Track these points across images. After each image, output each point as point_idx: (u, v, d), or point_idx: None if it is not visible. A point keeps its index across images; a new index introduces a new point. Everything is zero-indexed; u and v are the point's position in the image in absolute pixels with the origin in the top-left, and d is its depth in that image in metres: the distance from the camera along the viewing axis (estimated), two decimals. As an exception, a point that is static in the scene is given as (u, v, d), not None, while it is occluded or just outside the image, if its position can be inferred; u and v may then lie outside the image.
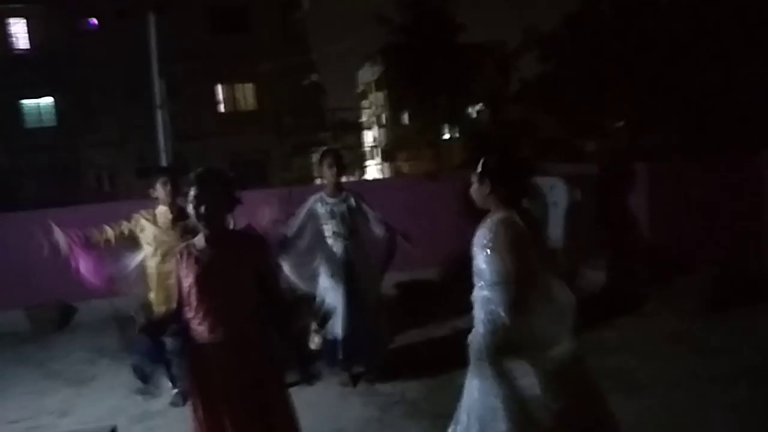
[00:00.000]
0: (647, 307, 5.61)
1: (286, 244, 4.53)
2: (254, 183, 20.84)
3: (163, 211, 4.33)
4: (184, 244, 2.75)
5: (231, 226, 3.01)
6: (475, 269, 2.52)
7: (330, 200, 4.58)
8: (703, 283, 5.48)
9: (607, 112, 21.70)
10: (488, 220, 2.50)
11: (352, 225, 4.60)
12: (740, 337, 4.78)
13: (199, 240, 2.66)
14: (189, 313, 2.63)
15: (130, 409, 4.35)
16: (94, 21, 23.22)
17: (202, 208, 2.54)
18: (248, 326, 2.63)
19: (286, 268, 4.52)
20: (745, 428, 3.52)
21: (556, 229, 6.82)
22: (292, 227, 4.61)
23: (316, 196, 4.65)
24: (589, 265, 6.58)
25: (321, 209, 4.58)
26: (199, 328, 2.60)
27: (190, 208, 2.57)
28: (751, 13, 13.57)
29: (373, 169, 45.03)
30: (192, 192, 2.55)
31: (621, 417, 2.64)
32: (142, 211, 4.36)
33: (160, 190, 4.31)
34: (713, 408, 3.71)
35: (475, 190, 2.52)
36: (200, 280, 2.57)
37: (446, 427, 2.73)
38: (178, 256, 2.67)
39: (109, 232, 4.28)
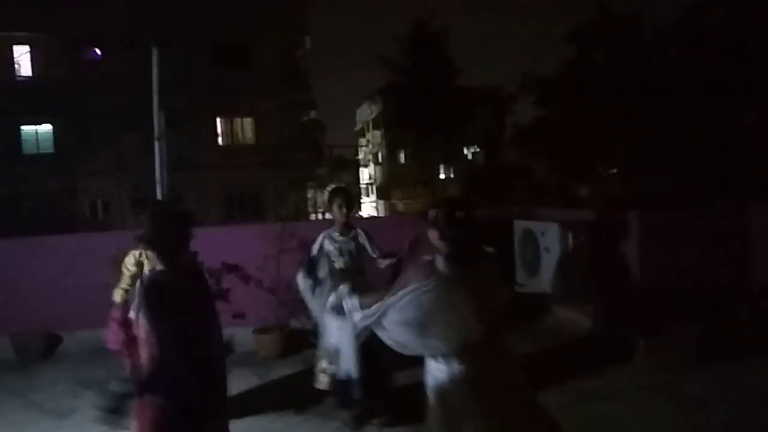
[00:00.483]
0: (635, 356, 5.56)
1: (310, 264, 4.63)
2: (249, 217, 20.91)
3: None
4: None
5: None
6: None
7: (339, 238, 4.61)
8: (692, 333, 5.46)
9: (600, 158, 21.95)
10: None
11: (359, 263, 4.66)
12: (726, 390, 4.72)
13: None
14: None
15: (112, 444, 4.26)
16: (98, 51, 23.52)
17: (157, 244, 2.76)
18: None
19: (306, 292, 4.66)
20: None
21: (548, 274, 6.83)
22: (312, 251, 4.70)
23: (325, 233, 4.68)
24: (581, 312, 6.57)
25: (329, 246, 4.61)
26: None
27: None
28: (743, 64, 13.87)
29: (369, 206, 45.15)
30: (146, 229, 2.77)
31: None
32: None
33: None
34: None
35: (429, 235, 2.75)
36: None
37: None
38: None
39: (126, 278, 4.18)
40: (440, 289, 2.60)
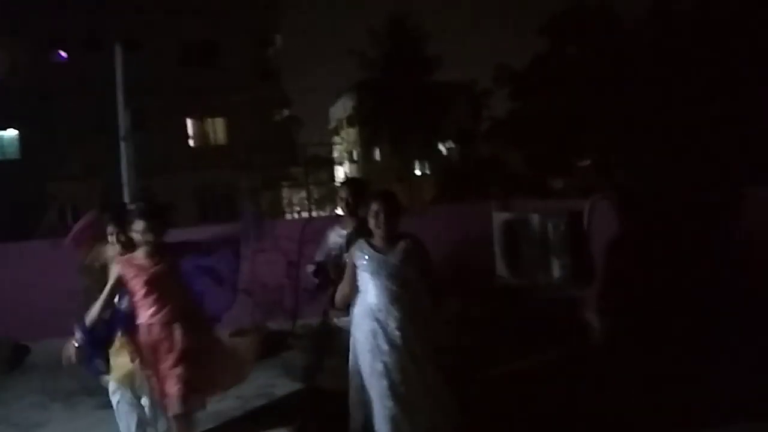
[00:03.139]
0: (618, 343, 5.52)
1: (319, 272, 4.37)
2: (223, 218, 20.59)
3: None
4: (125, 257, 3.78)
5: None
6: None
7: (343, 232, 4.42)
8: (675, 319, 5.43)
9: (574, 150, 22.08)
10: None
11: None
12: (707, 374, 4.70)
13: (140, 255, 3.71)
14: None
15: (82, 458, 4.08)
16: (63, 53, 22.97)
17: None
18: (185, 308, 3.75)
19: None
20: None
21: (529, 265, 6.76)
22: (321, 254, 4.49)
23: (332, 227, 4.52)
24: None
25: (335, 239, 4.43)
26: (147, 313, 3.65)
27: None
28: (715, 52, 13.97)
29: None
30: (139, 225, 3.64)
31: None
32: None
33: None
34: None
35: None
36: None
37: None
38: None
39: None
40: None
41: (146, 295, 3.63)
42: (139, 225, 3.64)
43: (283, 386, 5.39)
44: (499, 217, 7.41)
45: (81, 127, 21.09)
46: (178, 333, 3.64)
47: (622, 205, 6.16)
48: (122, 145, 6.78)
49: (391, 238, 3.53)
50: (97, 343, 3.80)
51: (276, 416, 4.63)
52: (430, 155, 33.95)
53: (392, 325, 3.41)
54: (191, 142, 24.53)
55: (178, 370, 3.57)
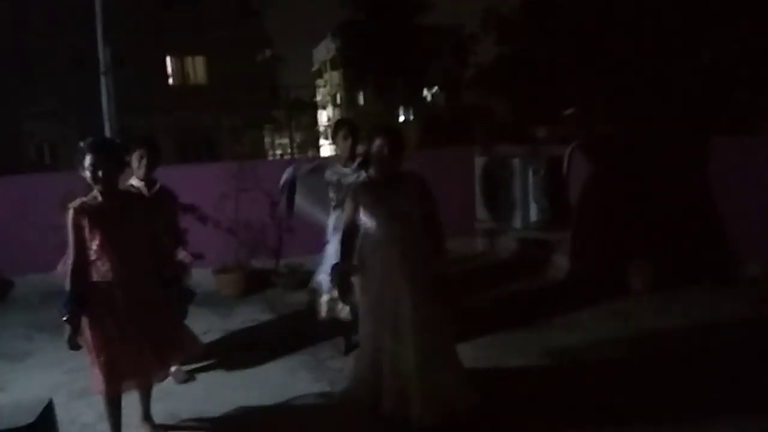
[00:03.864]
0: (597, 289, 5.70)
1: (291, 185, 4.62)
2: (203, 160, 20.43)
3: (137, 185, 4.01)
4: (78, 201, 3.12)
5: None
6: None
7: (341, 170, 4.44)
8: (648, 266, 5.61)
9: (559, 98, 21.99)
10: None
11: None
12: (676, 319, 4.92)
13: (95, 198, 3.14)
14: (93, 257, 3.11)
15: (70, 385, 4.19)
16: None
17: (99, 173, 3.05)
18: (145, 263, 3.23)
19: (302, 203, 4.66)
20: (673, 402, 3.58)
21: (508, 209, 6.88)
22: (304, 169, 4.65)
23: (331, 163, 4.56)
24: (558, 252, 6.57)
25: (330, 177, 4.47)
26: (103, 269, 3.10)
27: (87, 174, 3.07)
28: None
29: (328, 149, 44.70)
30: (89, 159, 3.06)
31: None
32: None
33: (135, 163, 3.94)
34: (644, 382, 3.83)
35: None
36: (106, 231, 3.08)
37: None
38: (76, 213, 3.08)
39: None
40: None
41: (100, 248, 3.07)
42: (88, 160, 3.06)
43: (266, 321, 5.55)
44: (480, 162, 7.48)
45: (57, 64, 20.55)
46: (127, 298, 3.12)
47: (599, 152, 6.27)
48: (102, 80, 6.66)
49: (394, 175, 3.43)
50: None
51: (259, 349, 4.77)
52: (415, 101, 33.66)
53: (394, 261, 3.33)
54: (170, 81, 24.04)
55: (105, 353, 3.10)
